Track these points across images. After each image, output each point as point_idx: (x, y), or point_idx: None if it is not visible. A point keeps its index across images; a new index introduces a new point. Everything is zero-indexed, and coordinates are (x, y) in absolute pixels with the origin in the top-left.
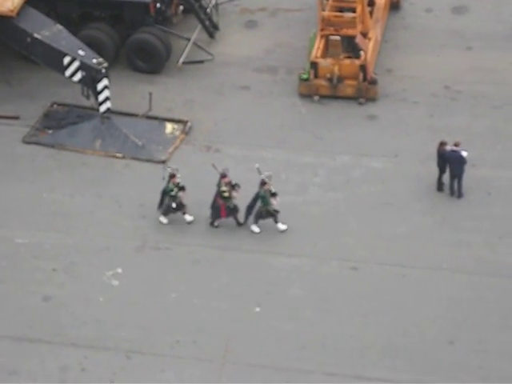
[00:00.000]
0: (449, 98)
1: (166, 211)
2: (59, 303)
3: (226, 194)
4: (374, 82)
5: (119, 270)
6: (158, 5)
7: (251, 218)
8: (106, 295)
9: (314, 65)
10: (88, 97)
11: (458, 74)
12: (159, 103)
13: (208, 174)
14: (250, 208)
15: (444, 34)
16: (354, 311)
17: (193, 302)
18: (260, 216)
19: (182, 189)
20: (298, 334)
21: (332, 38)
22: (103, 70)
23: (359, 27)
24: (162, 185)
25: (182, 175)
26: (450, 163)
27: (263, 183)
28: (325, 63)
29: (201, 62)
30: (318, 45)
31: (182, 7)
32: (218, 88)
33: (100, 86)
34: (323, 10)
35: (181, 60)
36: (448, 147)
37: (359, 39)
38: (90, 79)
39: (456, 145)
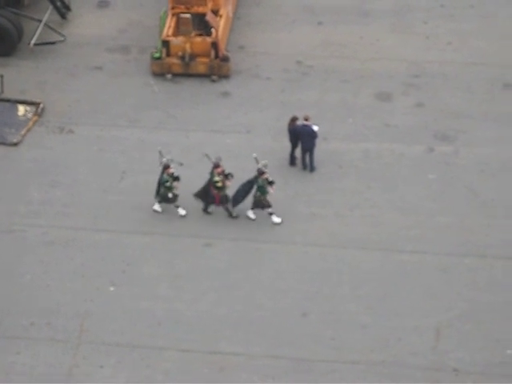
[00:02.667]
0: (300, 73)
1: (162, 200)
2: None
3: (220, 184)
4: (226, 59)
5: None
6: None
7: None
8: None
9: (165, 43)
10: None
11: (309, 49)
12: (11, 86)
13: (62, 155)
14: (240, 197)
15: (295, 9)
16: (207, 287)
17: (47, 284)
18: (259, 205)
19: (176, 179)
20: (152, 312)
21: (183, 15)
22: None
23: (210, 5)
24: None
25: (35, 157)
26: (302, 138)
27: (261, 172)
28: (176, 41)
29: (52, 43)
30: (170, 23)
31: None
32: (70, 69)
33: None
34: None
35: (32, 42)
36: (299, 122)
37: (210, 17)
38: None
39: (306, 119)
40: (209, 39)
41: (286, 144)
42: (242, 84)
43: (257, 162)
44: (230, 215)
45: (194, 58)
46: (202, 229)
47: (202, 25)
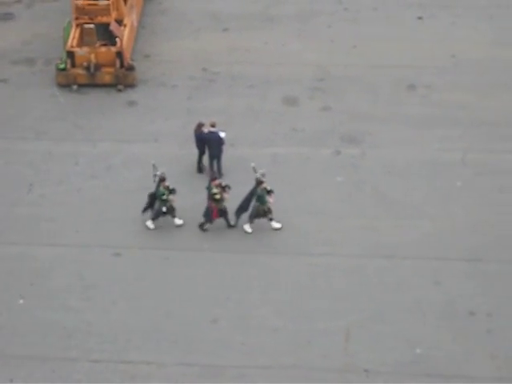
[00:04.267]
0: (207, 80)
1: (156, 215)
2: None
3: (218, 196)
4: (131, 69)
5: None
6: None
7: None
8: None
9: (70, 54)
10: None
11: (215, 56)
12: None
13: None
14: (242, 209)
15: (200, 17)
16: (118, 296)
17: None
18: (257, 215)
19: (172, 192)
20: (63, 323)
21: (86, 26)
22: None
23: (113, 14)
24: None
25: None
26: (208, 144)
27: (260, 182)
28: (81, 52)
29: None
30: (74, 34)
31: None
32: None
33: None
34: None
35: None
36: (205, 129)
37: (114, 26)
38: None
39: (213, 125)
40: (113, 49)
41: (194, 151)
42: (148, 93)
43: (255, 171)
44: (229, 225)
45: (99, 68)
46: (111, 239)
47: (107, 35)
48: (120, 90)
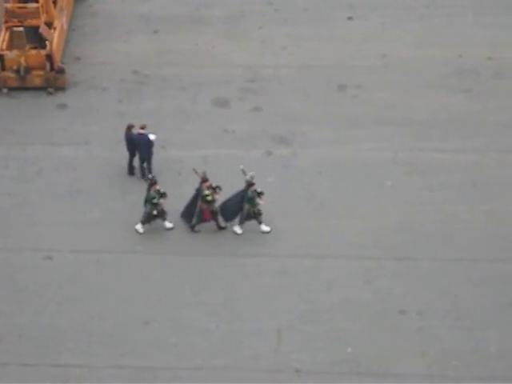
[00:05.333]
0: (137, 83)
1: (146, 219)
2: None
3: (210, 198)
4: (61, 71)
5: None
6: None
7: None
8: None
9: None
10: None
11: (145, 58)
12: None
13: None
14: (234, 211)
15: (131, 19)
16: (49, 300)
17: None
18: (248, 217)
19: (163, 195)
20: None
21: (16, 29)
22: None
23: (43, 17)
24: None
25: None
26: (138, 147)
27: (250, 184)
28: (11, 55)
29: None
30: (3, 37)
31: None
32: None
33: None
34: (7, 2)
35: None
36: (135, 131)
37: (43, 29)
38: None
39: (142, 128)
40: (43, 52)
41: (125, 153)
42: (78, 95)
43: (244, 173)
44: (220, 227)
45: (29, 71)
46: (42, 242)
47: (37, 38)
48: (50, 93)
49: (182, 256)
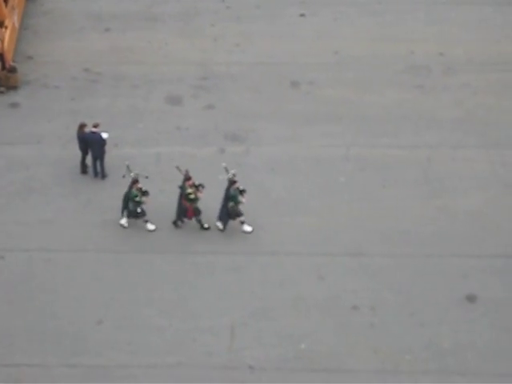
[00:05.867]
0: (89, 81)
1: (130, 215)
2: None
3: (192, 196)
4: (13, 70)
5: None
6: None
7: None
8: None
9: None
10: None
11: (97, 56)
12: None
13: None
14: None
15: (83, 17)
16: (1, 299)
17: None
18: (231, 215)
19: (145, 194)
20: None
21: None
22: None
23: None
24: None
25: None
26: (91, 145)
27: (233, 182)
28: None
29: None
30: None
31: None
32: None
33: None
34: None
35: None
36: (88, 129)
37: None
38: None
39: (95, 126)
40: None
41: (77, 152)
42: (30, 94)
43: (226, 171)
44: (202, 227)
45: None
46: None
47: None
48: (2, 92)
49: (134, 254)
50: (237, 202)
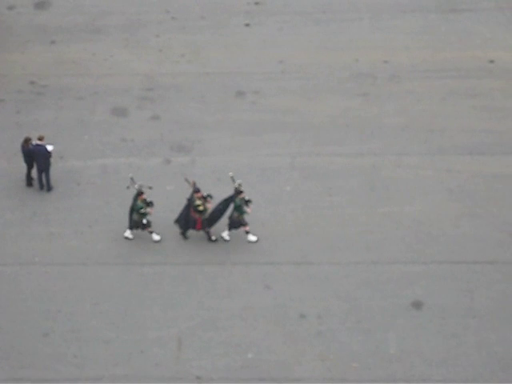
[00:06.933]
0: (35, 93)
1: (135, 227)
2: None
3: (201, 208)
4: None
5: None
6: None
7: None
8: None
9: None
10: None
11: (43, 69)
12: None
13: None
14: (216, 218)
15: (27, 29)
16: None
17: None
18: (235, 225)
19: (149, 205)
20: None
21: None
22: None
23: None
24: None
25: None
26: (36, 158)
27: (239, 192)
28: None
29: None
30: None
31: None
32: None
33: None
34: None
35: None
36: (33, 142)
37: None
38: None
39: (40, 139)
40: None
41: (23, 165)
42: None
43: (233, 181)
44: (210, 239)
45: None
46: None
47: None
48: None
49: (80, 266)
50: (242, 213)
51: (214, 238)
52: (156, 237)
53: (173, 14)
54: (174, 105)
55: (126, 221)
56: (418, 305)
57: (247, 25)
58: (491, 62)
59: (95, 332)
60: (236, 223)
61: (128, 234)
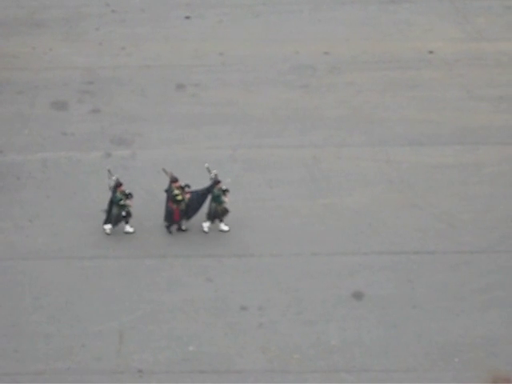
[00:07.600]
0: None
1: (116, 221)
2: None
3: (180, 198)
4: None
5: None
6: None
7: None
8: None
9: None
10: None
11: None
12: None
13: None
14: (195, 209)
15: None
16: None
17: None
18: (216, 215)
19: (128, 196)
20: None
21: None
22: None
23: None
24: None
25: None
26: None
27: (217, 182)
28: None
29: None
30: None
31: None
32: None
33: None
34: None
35: None
36: None
37: None
38: None
39: None
40: None
41: None
42: None
43: (209, 171)
44: (180, 229)
45: None
46: None
47: None
48: None
49: (20, 261)
50: (220, 202)
51: (184, 227)
52: (130, 229)
53: (113, 7)
54: (115, 98)
55: (66, 214)
56: (358, 296)
57: (187, 17)
58: (430, 52)
59: (36, 326)
60: (218, 213)
61: (107, 227)
